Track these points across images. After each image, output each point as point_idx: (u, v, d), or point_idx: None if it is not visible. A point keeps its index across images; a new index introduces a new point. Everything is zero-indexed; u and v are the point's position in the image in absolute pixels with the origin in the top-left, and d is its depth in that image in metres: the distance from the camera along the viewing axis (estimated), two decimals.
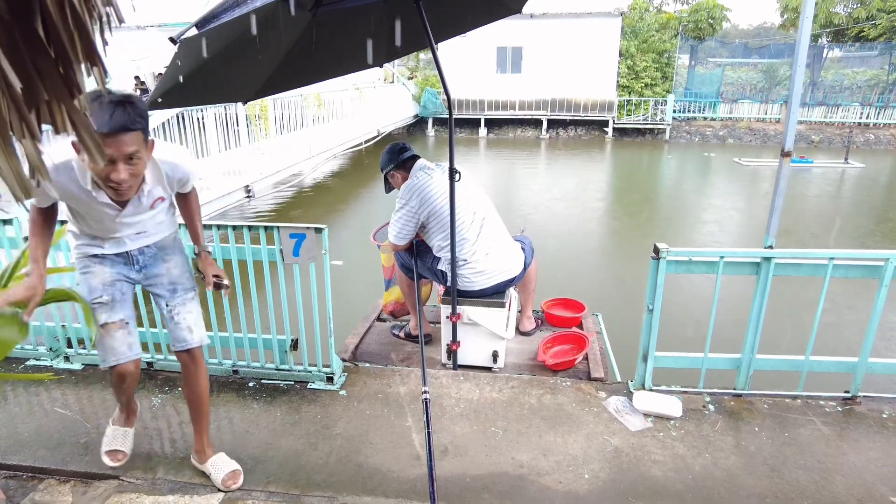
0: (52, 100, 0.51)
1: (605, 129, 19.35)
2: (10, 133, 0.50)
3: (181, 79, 1.74)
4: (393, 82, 18.89)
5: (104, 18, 0.53)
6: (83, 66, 0.53)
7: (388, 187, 3.13)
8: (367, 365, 2.99)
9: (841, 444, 2.36)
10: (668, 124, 18.89)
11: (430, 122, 20.26)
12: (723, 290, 2.55)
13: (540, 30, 18.23)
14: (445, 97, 2.51)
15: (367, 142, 14.45)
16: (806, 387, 2.67)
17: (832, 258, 2.45)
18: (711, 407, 2.61)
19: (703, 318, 2.71)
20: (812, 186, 12.18)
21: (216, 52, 1.95)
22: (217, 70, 2.19)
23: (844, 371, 2.65)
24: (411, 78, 20.81)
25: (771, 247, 2.46)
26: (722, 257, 2.50)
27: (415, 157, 2.98)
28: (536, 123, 19.92)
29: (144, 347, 2.96)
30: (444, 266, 2.89)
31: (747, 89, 20.50)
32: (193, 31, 1.46)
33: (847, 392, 2.64)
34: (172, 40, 1.49)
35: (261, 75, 2.73)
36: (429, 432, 1.97)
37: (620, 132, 19.37)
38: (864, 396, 2.64)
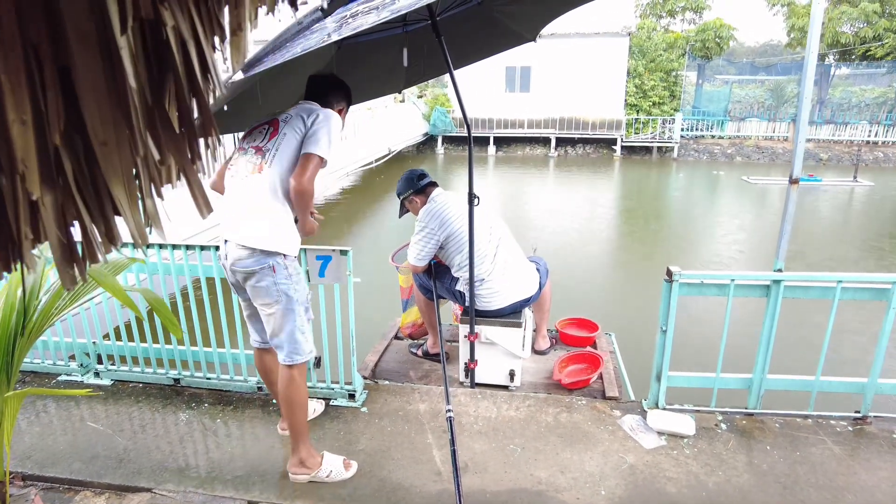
0: (176, 165, 0.62)
1: (614, 147, 19.50)
2: (139, 194, 0.62)
3: (226, 108, 1.88)
4: (403, 101, 19.17)
5: (214, 92, 0.64)
6: (203, 139, 0.64)
7: (403, 212, 3.22)
8: (387, 382, 3.08)
9: (852, 464, 2.41)
10: (677, 142, 19.01)
11: (440, 140, 20.51)
12: (734, 311, 2.63)
13: (548, 50, 18.50)
14: (461, 117, 2.65)
15: (378, 160, 14.67)
16: (816, 407, 2.73)
17: (840, 281, 2.53)
18: (724, 426, 2.67)
19: (715, 339, 2.78)
20: (821, 205, 12.22)
21: (249, 86, 2.08)
22: (247, 101, 2.31)
23: (854, 392, 2.71)
24: (421, 97, 21.11)
25: (780, 270, 2.54)
26: (733, 280, 2.58)
27: (433, 184, 3.09)
28: (545, 141, 20.11)
29: (171, 364, 3.08)
30: (462, 286, 2.99)
31: (755, 107, 20.62)
32: (239, 75, 1.58)
33: (857, 412, 2.70)
34: (223, 84, 1.61)
35: (286, 105, 2.87)
36: (454, 449, 2.05)
37: (629, 150, 19.51)
38: (874, 417, 2.69)
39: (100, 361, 3.16)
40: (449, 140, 20.63)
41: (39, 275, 2.10)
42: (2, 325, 1.99)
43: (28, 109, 0.52)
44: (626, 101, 19.43)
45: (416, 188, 3.06)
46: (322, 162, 2.04)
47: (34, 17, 0.50)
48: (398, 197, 3.15)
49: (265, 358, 2.49)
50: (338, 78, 2.41)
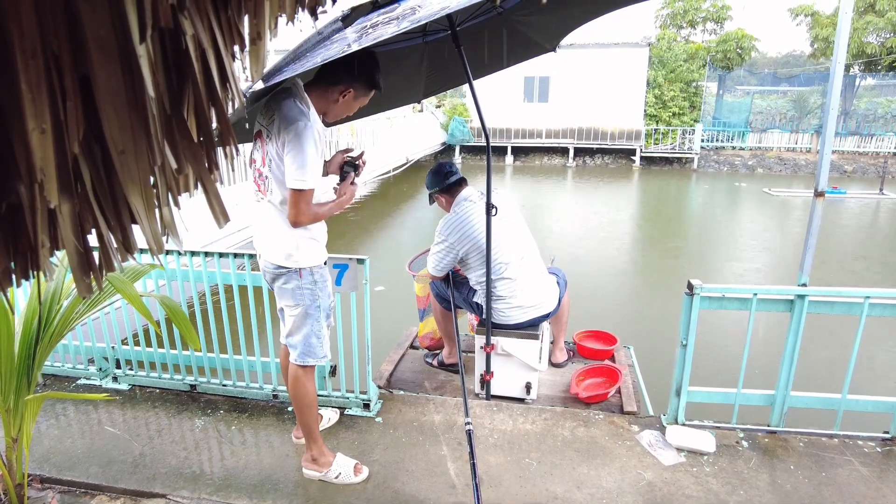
0: (194, 174, 0.61)
1: (633, 157, 19.37)
2: (156, 202, 0.61)
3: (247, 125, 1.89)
4: (422, 111, 19.27)
5: (233, 102, 0.63)
6: (222, 148, 0.63)
7: (432, 201, 3.14)
8: (402, 392, 3.06)
9: (881, 486, 2.33)
10: (697, 153, 18.82)
11: (458, 149, 20.56)
12: (756, 326, 2.57)
13: (567, 60, 18.47)
14: (480, 126, 2.63)
15: (395, 169, 14.73)
16: (843, 426, 2.65)
17: (868, 297, 2.46)
18: (745, 443, 2.61)
19: (736, 353, 2.72)
20: (846, 218, 11.97)
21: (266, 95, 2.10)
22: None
23: (883, 411, 2.63)
24: (439, 106, 21.21)
25: (805, 284, 2.48)
26: (755, 294, 2.52)
27: (461, 181, 3.02)
28: (563, 151, 20.05)
29: (188, 370, 3.10)
30: (480, 298, 2.96)
31: (777, 118, 20.35)
32: (260, 84, 1.59)
33: (887, 432, 2.61)
34: (242, 93, 1.62)
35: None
36: (473, 462, 2.02)
37: (648, 161, 19.35)
38: None
39: (118, 366, 3.19)
40: (467, 150, 20.67)
41: (61, 281, 2.13)
42: (24, 329, 2.02)
43: (48, 118, 0.52)
44: (645, 111, 19.31)
45: (443, 187, 3.00)
46: (306, 193, 1.96)
47: (56, 26, 0.50)
48: (427, 189, 3.10)
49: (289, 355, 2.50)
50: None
